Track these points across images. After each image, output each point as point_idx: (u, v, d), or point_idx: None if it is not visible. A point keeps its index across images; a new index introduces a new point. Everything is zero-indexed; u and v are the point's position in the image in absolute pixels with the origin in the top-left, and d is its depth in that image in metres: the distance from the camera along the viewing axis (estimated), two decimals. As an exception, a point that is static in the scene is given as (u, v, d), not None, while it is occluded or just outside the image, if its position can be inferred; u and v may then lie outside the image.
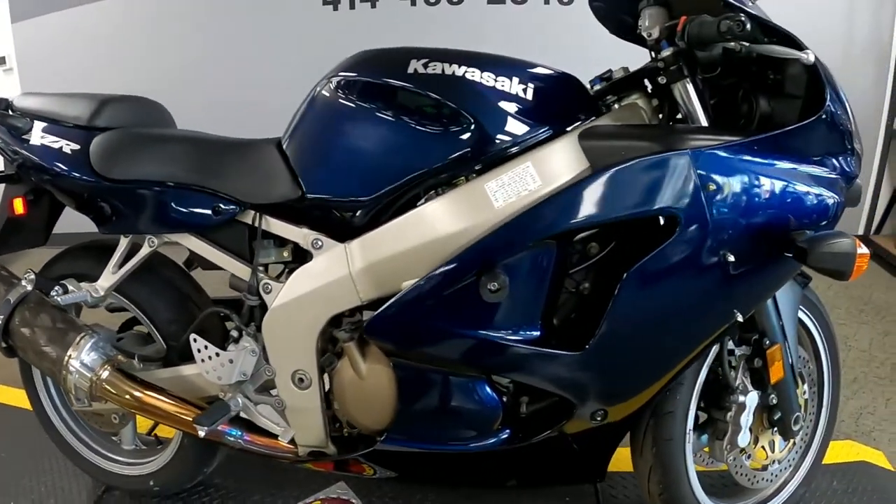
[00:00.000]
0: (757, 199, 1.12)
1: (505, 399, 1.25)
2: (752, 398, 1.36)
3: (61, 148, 1.36)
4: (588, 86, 1.27)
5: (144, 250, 1.40)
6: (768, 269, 1.17)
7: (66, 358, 1.39)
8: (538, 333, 1.18)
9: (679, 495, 1.38)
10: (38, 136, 1.38)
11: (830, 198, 1.19)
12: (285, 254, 1.32)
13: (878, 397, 2.03)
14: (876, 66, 3.35)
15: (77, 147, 1.35)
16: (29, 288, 1.43)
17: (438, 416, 1.26)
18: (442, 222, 1.14)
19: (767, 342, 1.34)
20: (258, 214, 1.28)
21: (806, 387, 1.53)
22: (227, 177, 1.28)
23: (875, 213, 3.53)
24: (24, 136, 1.40)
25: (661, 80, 1.19)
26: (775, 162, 1.14)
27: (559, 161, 1.13)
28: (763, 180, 1.12)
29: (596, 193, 1.09)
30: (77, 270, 1.52)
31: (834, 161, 1.21)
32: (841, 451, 1.79)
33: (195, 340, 1.35)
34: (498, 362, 1.20)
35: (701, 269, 1.12)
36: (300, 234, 1.26)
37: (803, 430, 1.56)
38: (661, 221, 1.11)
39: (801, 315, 1.52)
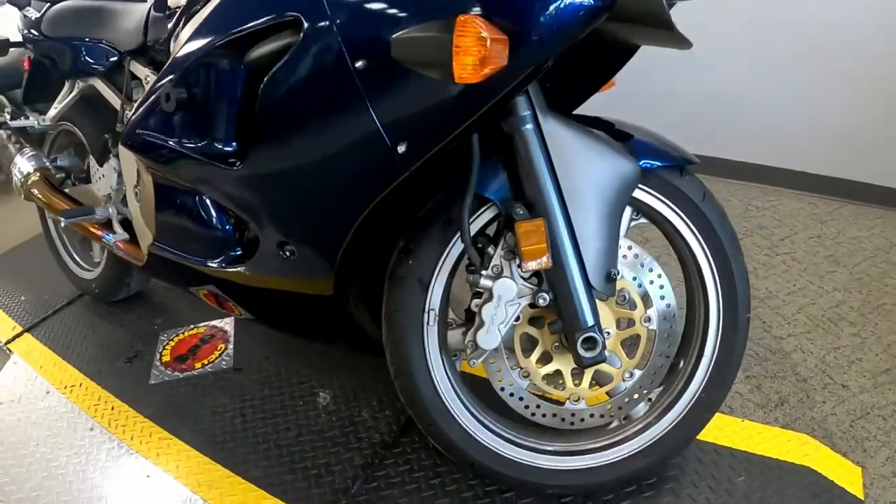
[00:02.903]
0: None
1: (231, 219, 1.22)
2: (504, 287, 1.02)
3: (29, 16, 1.77)
4: None
5: (75, 91, 1.73)
6: (423, 87, 0.86)
7: (13, 162, 1.80)
8: (230, 150, 1.11)
9: (412, 385, 1.10)
10: (27, 10, 1.80)
11: None
12: None
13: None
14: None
15: (37, 15, 1.74)
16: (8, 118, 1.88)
17: (182, 227, 1.28)
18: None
19: (522, 212, 0.98)
20: (129, 59, 1.50)
21: (653, 313, 1.08)
22: (114, 31, 1.56)
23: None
24: (24, 11, 1.81)
25: None
26: None
27: None
28: None
29: (229, 8, 1.05)
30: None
31: None
32: (782, 442, 1.21)
33: (92, 161, 1.66)
34: (192, 176, 1.19)
35: (330, 82, 0.93)
36: (146, 74, 1.44)
37: (662, 375, 1.12)
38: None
39: (667, 214, 1.08)
